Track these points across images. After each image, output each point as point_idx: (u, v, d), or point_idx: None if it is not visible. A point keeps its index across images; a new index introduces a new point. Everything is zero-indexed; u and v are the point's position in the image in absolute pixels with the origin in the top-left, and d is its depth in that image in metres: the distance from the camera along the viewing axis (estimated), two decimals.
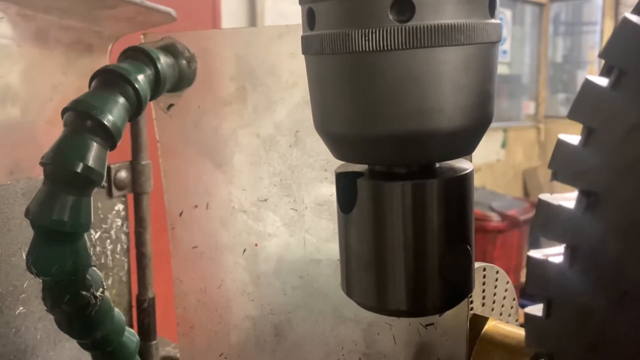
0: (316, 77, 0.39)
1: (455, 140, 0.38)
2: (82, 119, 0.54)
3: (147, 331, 0.83)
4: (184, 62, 0.65)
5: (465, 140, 0.39)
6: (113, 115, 0.55)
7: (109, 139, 0.55)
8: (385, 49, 0.34)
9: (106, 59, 0.76)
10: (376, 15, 0.34)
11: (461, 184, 0.40)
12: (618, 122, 0.29)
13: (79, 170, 0.52)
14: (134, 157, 0.80)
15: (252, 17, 2.65)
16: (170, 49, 0.65)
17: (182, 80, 0.66)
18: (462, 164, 0.42)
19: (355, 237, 0.40)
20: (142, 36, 0.68)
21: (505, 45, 5.06)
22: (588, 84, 0.30)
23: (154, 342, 0.84)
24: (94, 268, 0.57)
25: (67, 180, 0.52)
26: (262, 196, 0.66)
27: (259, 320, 0.69)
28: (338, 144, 0.40)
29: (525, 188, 5.24)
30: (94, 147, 0.53)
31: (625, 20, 0.28)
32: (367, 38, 0.34)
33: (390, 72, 0.35)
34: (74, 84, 0.73)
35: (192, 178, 0.71)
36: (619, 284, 0.30)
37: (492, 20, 0.36)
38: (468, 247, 0.40)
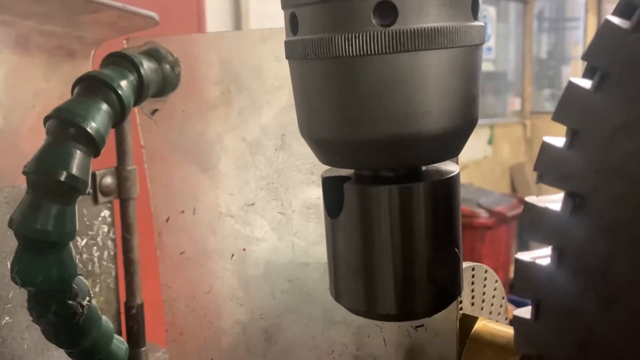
0: (300, 82, 0.39)
1: (441, 143, 0.37)
2: (64, 126, 0.53)
3: (136, 338, 0.83)
4: (167, 66, 0.65)
5: (451, 142, 0.38)
6: (96, 122, 0.54)
7: (93, 146, 0.54)
8: (369, 53, 0.34)
9: (89, 64, 0.75)
10: (359, 19, 0.34)
11: (448, 186, 0.40)
12: (602, 124, 0.29)
13: (62, 178, 0.51)
14: (119, 162, 0.80)
15: (237, 17, 2.64)
16: (154, 54, 0.65)
17: (166, 85, 0.66)
18: (448, 167, 0.42)
19: (343, 242, 0.40)
20: (124, 41, 0.67)
21: (490, 42, 5.08)
22: (572, 86, 0.30)
23: (143, 348, 0.83)
24: (80, 277, 0.57)
25: (50, 189, 0.52)
26: (249, 200, 0.65)
27: (249, 325, 0.69)
28: (324, 149, 0.39)
29: (512, 184, 5.27)
30: (78, 155, 0.53)
31: (607, 22, 0.28)
32: (350, 43, 0.34)
33: (374, 77, 0.35)
34: (57, 90, 0.72)
35: (178, 183, 0.71)
36: (607, 285, 0.30)
37: (476, 23, 0.36)
38: (456, 249, 0.40)
